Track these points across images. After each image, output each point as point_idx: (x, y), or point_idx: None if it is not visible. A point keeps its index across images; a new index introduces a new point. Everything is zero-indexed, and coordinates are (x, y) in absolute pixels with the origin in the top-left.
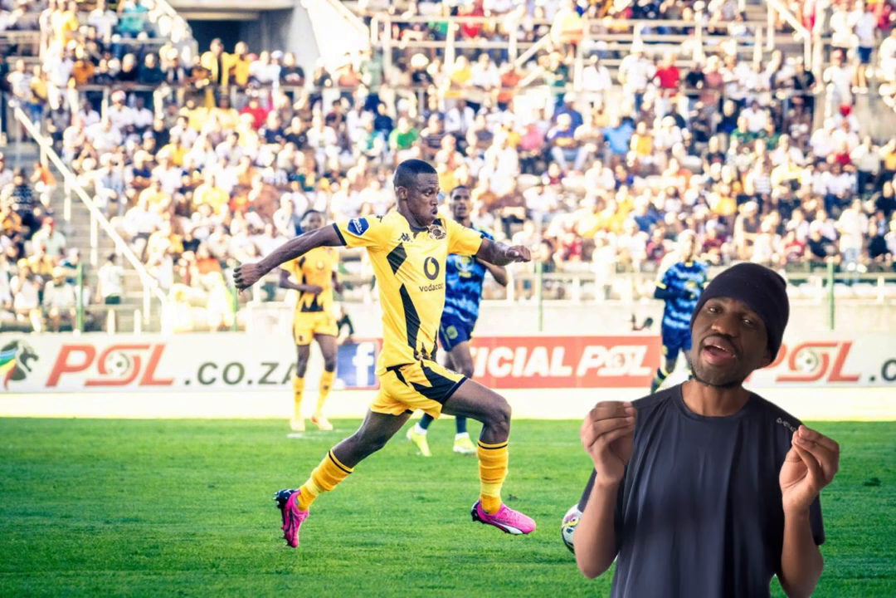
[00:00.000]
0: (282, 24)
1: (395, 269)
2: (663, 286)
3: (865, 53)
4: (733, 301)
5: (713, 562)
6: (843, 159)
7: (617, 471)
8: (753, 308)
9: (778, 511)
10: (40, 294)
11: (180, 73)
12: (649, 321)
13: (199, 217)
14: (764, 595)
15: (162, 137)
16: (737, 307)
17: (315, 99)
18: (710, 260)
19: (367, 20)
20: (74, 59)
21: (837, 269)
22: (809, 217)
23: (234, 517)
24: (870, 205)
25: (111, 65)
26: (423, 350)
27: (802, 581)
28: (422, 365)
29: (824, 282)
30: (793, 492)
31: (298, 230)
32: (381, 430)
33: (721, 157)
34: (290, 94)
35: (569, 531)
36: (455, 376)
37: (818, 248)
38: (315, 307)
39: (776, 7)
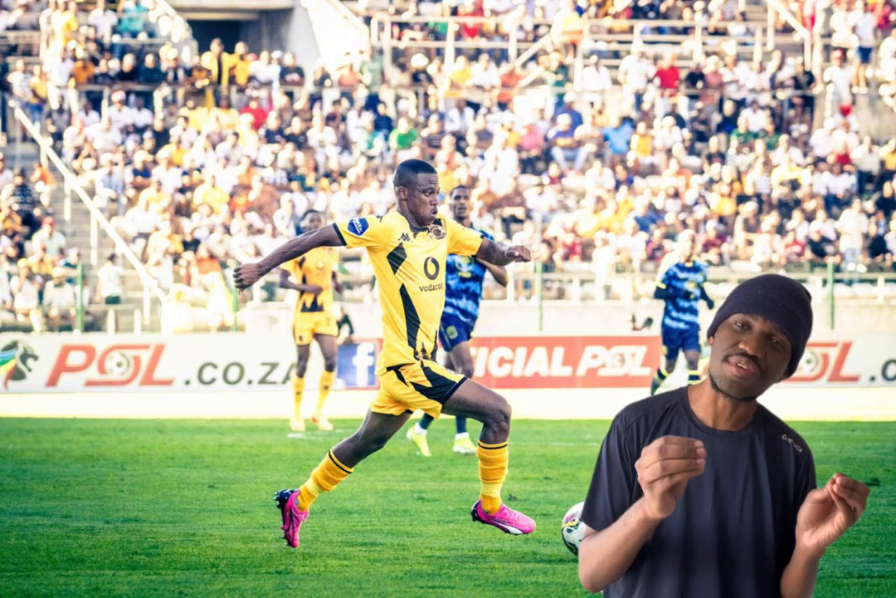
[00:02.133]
0: (282, 24)
1: (395, 269)
2: (663, 286)
3: (865, 53)
4: (763, 320)
5: (726, 579)
6: (843, 159)
7: (670, 509)
8: (783, 330)
9: (787, 527)
10: (40, 294)
11: (180, 73)
12: (649, 321)
13: (199, 217)
14: None
15: (162, 137)
16: (766, 327)
17: (315, 99)
18: (710, 260)
19: (367, 20)
20: (74, 59)
21: (837, 269)
22: (809, 217)
23: (234, 517)
24: (870, 205)
25: (111, 65)
26: (423, 350)
27: (802, 596)
28: (422, 365)
29: (824, 282)
30: (819, 534)
31: (298, 230)
32: (381, 430)
33: (721, 157)
34: (290, 94)
35: (569, 531)
36: (455, 376)
37: (818, 248)
38: (315, 307)
39: (776, 7)
